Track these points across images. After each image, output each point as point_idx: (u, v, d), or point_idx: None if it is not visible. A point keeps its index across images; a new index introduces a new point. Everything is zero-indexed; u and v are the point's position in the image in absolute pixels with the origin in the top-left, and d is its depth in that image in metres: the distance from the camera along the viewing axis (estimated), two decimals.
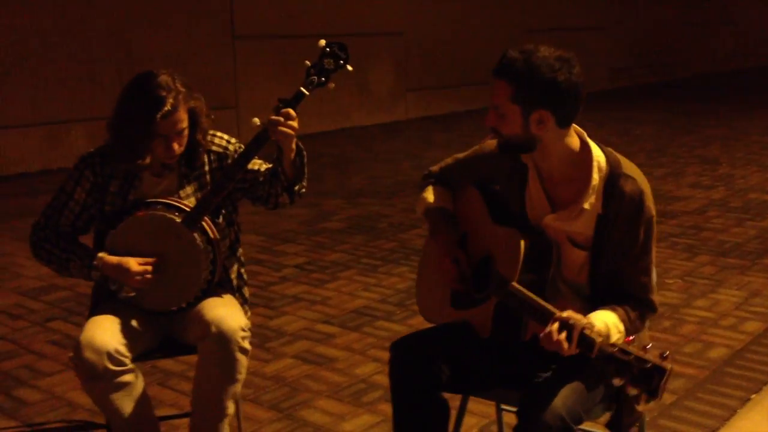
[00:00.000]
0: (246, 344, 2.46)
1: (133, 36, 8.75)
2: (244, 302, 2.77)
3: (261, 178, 2.61)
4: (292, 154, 2.52)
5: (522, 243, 2.19)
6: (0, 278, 4.83)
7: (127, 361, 2.40)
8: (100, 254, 2.49)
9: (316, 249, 5.44)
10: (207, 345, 2.45)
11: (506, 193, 2.34)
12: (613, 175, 2.15)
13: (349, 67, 2.56)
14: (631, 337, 2.02)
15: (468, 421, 2.83)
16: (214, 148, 2.63)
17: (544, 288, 2.19)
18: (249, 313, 2.79)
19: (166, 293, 2.54)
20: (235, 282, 2.75)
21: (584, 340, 1.90)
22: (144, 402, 2.50)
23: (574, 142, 2.17)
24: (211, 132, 2.64)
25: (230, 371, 2.45)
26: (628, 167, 2.18)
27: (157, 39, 8.93)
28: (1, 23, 7.80)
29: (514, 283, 2.12)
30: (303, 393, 3.33)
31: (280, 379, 3.46)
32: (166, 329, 2.61)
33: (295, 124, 2.46)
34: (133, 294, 2.52)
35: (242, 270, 2.80)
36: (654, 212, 2.15)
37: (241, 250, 2.79)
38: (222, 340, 2.42)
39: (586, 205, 2.15)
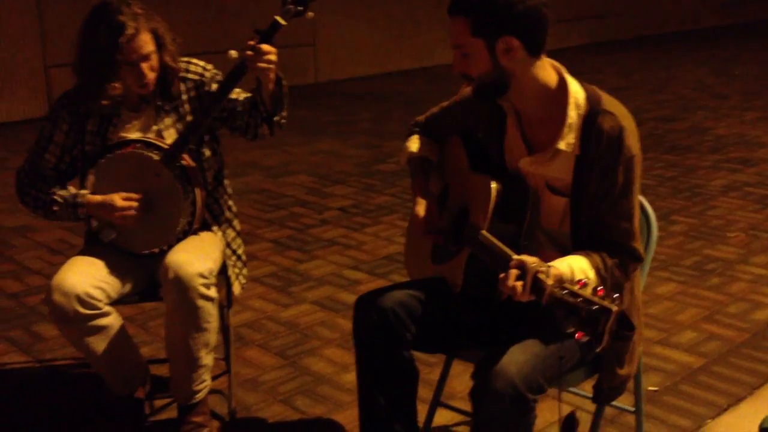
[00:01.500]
0: (208, 291, 2.39)
1: None
2: (237, 235, 2.74)
3: (239, 108, 2.52)
4: (271, 85, 2.42)
5: (493, 189, 2.03)
6: None
7: (100, 305, 2.38)
8: (83, 192, 2.47)
9: (364, 191, 5.34)
10: (165, 292, 2.40)
11: (487, 140, 2.17)
12: (591, 112, 1.96)
13: None
14: (584, 281, 1.82)
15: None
16: (190, 75, 2.56)
17: (519, 238, 2.02)
18: (243, 246, 2.75)
19: (147, 234, 2.51)
20: (226, 213, 2.70)
21: (536, 284, 1.73)
22: (123, 345, 2.48)
23: (550, 76, 1.99)
24: (186, 59, 2.57)
25: (193, 319, 2.39)
26: (609, 103, 1.98)
27: None
28: None
29: (483, 232, 1.97)
30: (312, 340, 3.27)
31: (293, 325, 3.41)
32: (152, 273, 2.58)
33: (273, 57, 2.34)
34: (114, 236, 2.50)
35: (231, 202, 2.74)
36: (636, 151, 1.94)
37: (227, 182, 2.73)
38: (179, 286, 2.36)
39: (562, 145, 1.97)
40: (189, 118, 2.55)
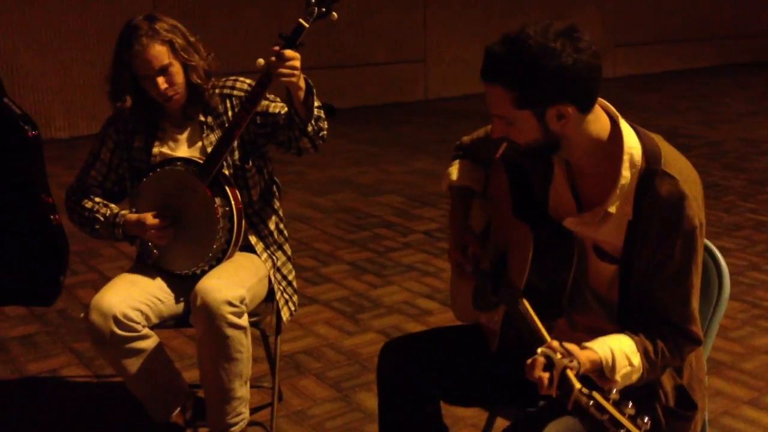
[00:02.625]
0: (237, 320, 2.30)
1: None
2: (287, 260, 2.64)
3: (281, 122, 2.43)
4: (302, 93, 2.30)
5: (531, 246, 1.82)
6: None
7: (138, 327, 2.33)
8: (123, 211, 2.45)
9: None
10: (194, 319, 2.34)
11: (533, 180, 1.96)
12: (648, 172, 1.71)
13: None
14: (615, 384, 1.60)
15: None
16: (236, 93, 2.50)
17: (561, 297, 1.81)
18: (293, 272, 2.66)
19: (185, 254, 2.46)
20: (275, 236, 2.61)
21: (563, 381, 1.52)
22: (161, 369, 2.44)
23: (602, 128, 1.75)
24: (233, 78, 2.52)
25: (223, 349, 2.31)
26: (671, 162, 1.72)
27: None
28: None
29: (522, 300, 1.78)
30: (370, 373, 3.13)
31: (353, 355, 3.29)
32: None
33: (296, 63, 2.23)
34: (155, 256, 2.46)
35: (282, 225, 2.66)
36: (698, 222, 1.68)
37: (278, 203, 2.64)
38: (206, 313, 2.28)
39: (612, 209, 1.74)
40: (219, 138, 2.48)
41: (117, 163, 2.51)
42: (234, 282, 2.36)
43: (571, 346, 1.60)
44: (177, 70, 2.38)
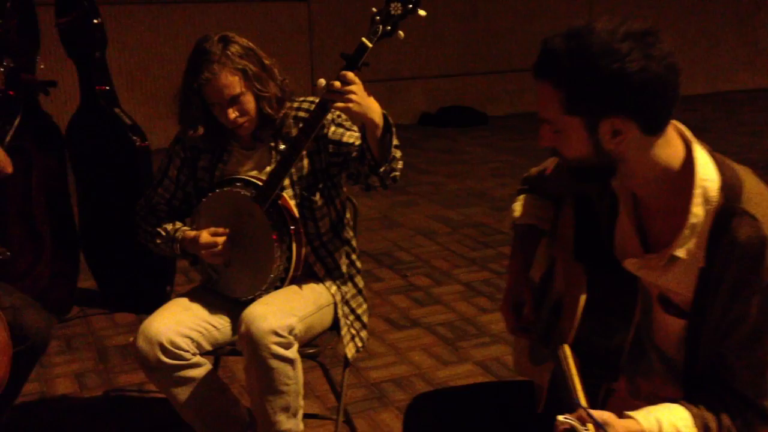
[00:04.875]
0: (284, 351, 2.13)
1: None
2: (358, 293, 2.46)
3: (354, 154, 2.23)
4: (378, 131, 2.08)
5: (584, 290, 1.52)
6: None
7: (187, 355, 2.22)
8: (184, 227, 2.35)
9: None
10: (240, 346, 2.19)
11: (599, 217, 1.65)
12: (725, 210, 1.38)
13: (422, 12, 2.09)
14: None
15: None
16: (301, 114, 2.32)
17: (620, 355, 1.50)
18: (364, 306, 2.47)
19: (243, 279, 2.33)
20: (345, 268, 2.42)
21: None
22: (214, 398, 2.31)
23: (673, 154, 1.44)
24: (302, 98, 2.35)
25: (267, 381, 2.15)
26: (754, 199, 1.38)
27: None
28: None
29: (565, 347, 1.48)
30: None
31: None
32: None
33: (356, 89, 2.02)
34: (214, 277, 2.35)
35: (354, 256, 2.46)
36: None
37: (351, 233, 2.46)
38: (250, 342, 2.13)
39: (680, 252, 1.42)
40: (306, 160, 2.31)
41: (184, 181, 2.41)
42: (283, 310, 2.19)
43: (607, 415, 1.32)
44: (249, 98, 2.24)
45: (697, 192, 1.39)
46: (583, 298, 1.51)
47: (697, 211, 1.39)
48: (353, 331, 2.43)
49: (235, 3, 7.33)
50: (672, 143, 1.43)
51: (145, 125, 3.80)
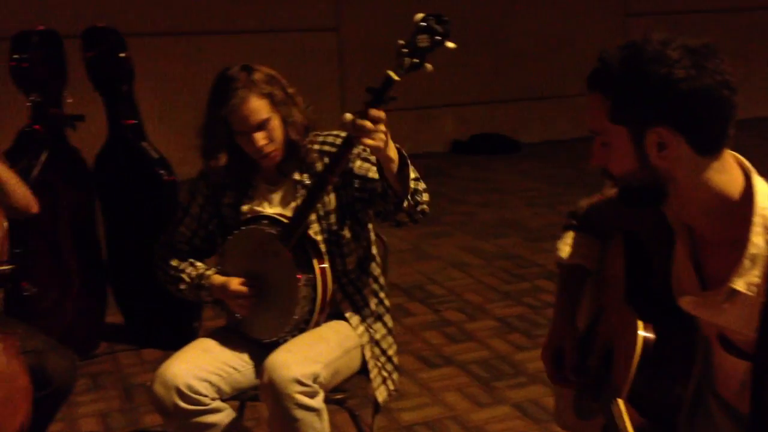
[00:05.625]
0: (308, 400, 2.04)
1: (511, 19, 8.45)
2: (388, 333, 2.36)
3: (380, 190, 2.14)
4: (393, 165, 2.01)
5: (640, 339, 1.41)
6: None
7: (206, 400, 2.14)
8: (208, 272, 2.26)
9: None
10: (262, 395, 2.10)
11: (651, 254, 1.55)
12: None
13: (450, 44, 2.01)
14: None
15: None
16: (327, 148, 2.23)
17: (679, 407, 1.39)
18: (394, 347, 2.37)
19: (266, 320, 2.25)
20: (373, 307, 2.33)
21: None
22: None
23: (731, 182, 1.36)
24: (335, 132, 2.27)
25: (289, 431, 2.04)
26: None
27: (538, 18, 8.50)
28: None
29: (619, 401, 1.37)
30: None
31: (479, 431, 2.91)
32: None
33: (381, 128, 1.94)
34: (238, 319, 2.27)
35: (382, 294, 2.37)
36: None
37: (378, 270, 2.36)
38: (273, 392, 2.04)
39: (740, 285, 1.32)
40: (332, 195, 2.23)
41: (206, 219, 2.34)
42: (307, 357, 2.10)
43: None
44: (276, 125, 2.18)
45: (757, 221, 1.30)
46: (638, 345, 1.40)
47: (758, 241, 1.30)
48: (384, 374, 2.33)
49: (265, 33, 7.33)
50: (730, 170, 1.34)
51: (177, 156, 3.75)
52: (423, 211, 2.12)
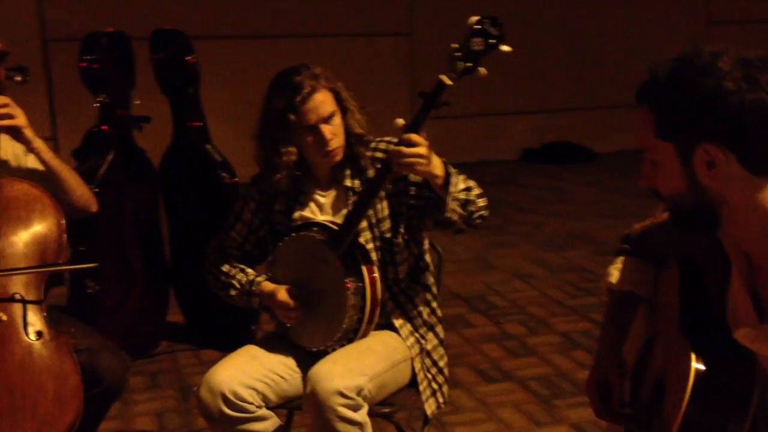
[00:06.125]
0: (351, 414, 1.99)
1: (589, 25, 8.26)
2: (439, 344, 2.30)
3: (435, 198, 2.09)
4: (439, 180, 1.99)
5: (693, 371, 1.32)
6: None
7: (251, 407, 2.11)
8: (258, 278, 2.24)
9: None
10: (305, 406, 2.07)
11: (707, 282, 1.45)
12: None
13: (505, 48, 1.94)
14: None
15: None
16: (378, 155, 2.20)
17: None
18: (445, 358, 2.31)
19: (314, 329, 2.21)
20: (425, 316, 2.28)
21: None
22: None
23: None
24: (387, 138, 2.23)
25: None
26: None
27: (616, 25, 8.30)
28: None
29: None
30: None
31: None
32: None
33: (421, 150, 1.91)
34: (287, 327, 2.24)
35: (435, 304, 2.31)
36: None
37: (432, 279, 2.31)
38: (315, 403, 2.00)
39: None
40: (384, 202, 2.19)
41: (258, 225, 2.32)
42: (352, 369, 2.05)
43: None
44: (339, 122, 2.17)
45: None
46: (690, 377, 1.31)
47: None
48: (434, 386, 2.27)
49: (335, 37, 7.34)
50: None
51: (244, 159, 3.76)
52: (482, 217, 2.09)
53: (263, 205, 2.29)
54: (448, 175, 1.99)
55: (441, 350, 2.32)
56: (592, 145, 8.30)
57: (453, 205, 2.01)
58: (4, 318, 2.13)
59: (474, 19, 1.96)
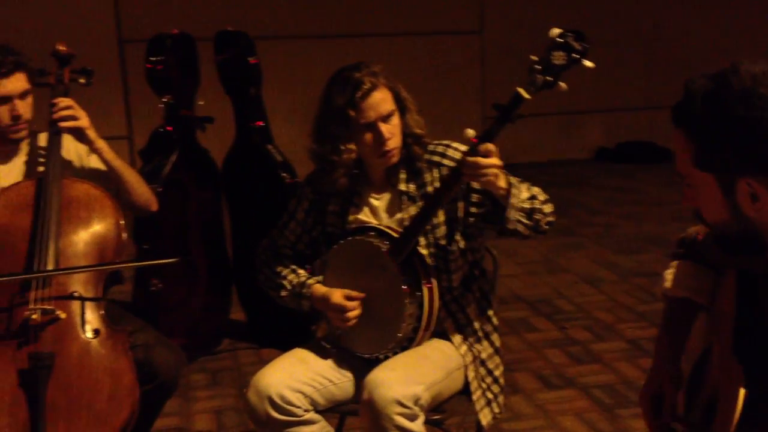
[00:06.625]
0: (408, 423, 1.95)
1: (666, 21, 8.01)
2: (495, 352, 2.25)
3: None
4: (502, 191, 1.96)
5: (739, 398, 1.23)
6: None
7: (299, 411, 2.10)
8: (310, 281, 2.22)
9: None
10: (361, 413, 2.03)
11: (765, 301, 1.36)
12: None
13: (588, 63, 1.88)
14: None
15: None
16: (446, 161, 2.15)
17: None
18: (501, 367, 2.26)
19: (368, 335, 2.19)
20: (477, 325, 2.23)
21: None
22: None
23: None
24: (446, 142, 2.19)
25: None
26: None
27: (695, 21, 8.02)
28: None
29: None
30: None
31: None
32: None
33: (493, 161, 1.88)
34: (338, 332, 2.21)
35: (490, 312, 2.25)
36: None
37: (487, 286, 2.28)
38: (372, 410, 1.97)
39: None
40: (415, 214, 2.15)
41: (311, 225, 2.30)
42: (410, 377, 2.02)
43: None
44: (397, 122, 2.13)
45: None
46: (739, 401, 1.23)
47: None
48: (489, 395, 2.21)
49: (403, 36, 7.29)
50: None
51: (306, 158, 3.77)
52: (548, 223, 2.05)
53: (317, 204, 2.27)
54: (509, 186, 1.95)
55: (497, 359, 2.26)
56: (670, 145, 8.04)
57: (516, 215, 1.98)
58: (63, 316, 2.18)
59: (556, 31, 1.90)
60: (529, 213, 2.01)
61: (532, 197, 2.03)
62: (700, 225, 1.62)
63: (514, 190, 1.96)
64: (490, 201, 2.07)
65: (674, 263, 1.63)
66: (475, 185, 2.09)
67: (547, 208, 2.05)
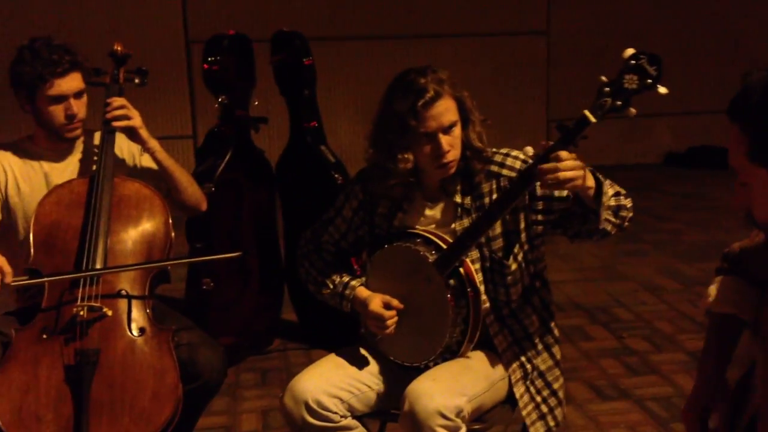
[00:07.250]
0: None
1: (740, 22, 7.75)
2: (555, 365, 2.19)
3: (572, 210, 1.96)
4: (590, 191, 1.86)
5: None
6: None
7: (335, 417, 2.08)
8: (354, 283, 2.20)
9: None
10: (401, 423, 1.99)
11: None
12: None
13: (662, 90, 1.79)
14: None
15: None
16: (505, 172, 2.08)
17: None
18: (561, 380, 2.19)
19: (410, 343, 2.14)
20: (537, 338, 2.17)
21: None
22: None
23: None
24: (505, 151, 2.11)
25: None
26: None
27: None
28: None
29: None
30: None
31: None
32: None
33: (570, 164, 1.79)
34: (376, 337, 2.18)
35: (552, 324, 2.19)
36: None
37: (550, 297, 2.21)
38: (412, 421, 1.93)
39: None
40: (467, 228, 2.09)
41: (357, 224, 2.26)
42: (452, 388, 1.97)
43: None
44: (458, 134, 2.05)
45: None
46: None
47: None
48: (544, 409, 2.14)
49: (468, 37, 7.22)
50: None
51: (356, 161, 3.77)
52: (630, 219, 1.99)
53: (366, 205, 2.22)
54: (599, 185, 1.86)
55: (556, 372, 2.19)
56: None
57: (606, 215, 1.90)
58: (110, 313, 2.20)
59: (629, 52, 1.82)
60: (616, 210, 1.92)
61: (617, 194, 1.95)
62: (744, 240, 1.55)
63: (604, 188, 1.86)
64: (561, 206, 1.99)
65: (718, 278, 1.56)
66: (542, 192, 2.02)
67: (629, 202, 1.98)
